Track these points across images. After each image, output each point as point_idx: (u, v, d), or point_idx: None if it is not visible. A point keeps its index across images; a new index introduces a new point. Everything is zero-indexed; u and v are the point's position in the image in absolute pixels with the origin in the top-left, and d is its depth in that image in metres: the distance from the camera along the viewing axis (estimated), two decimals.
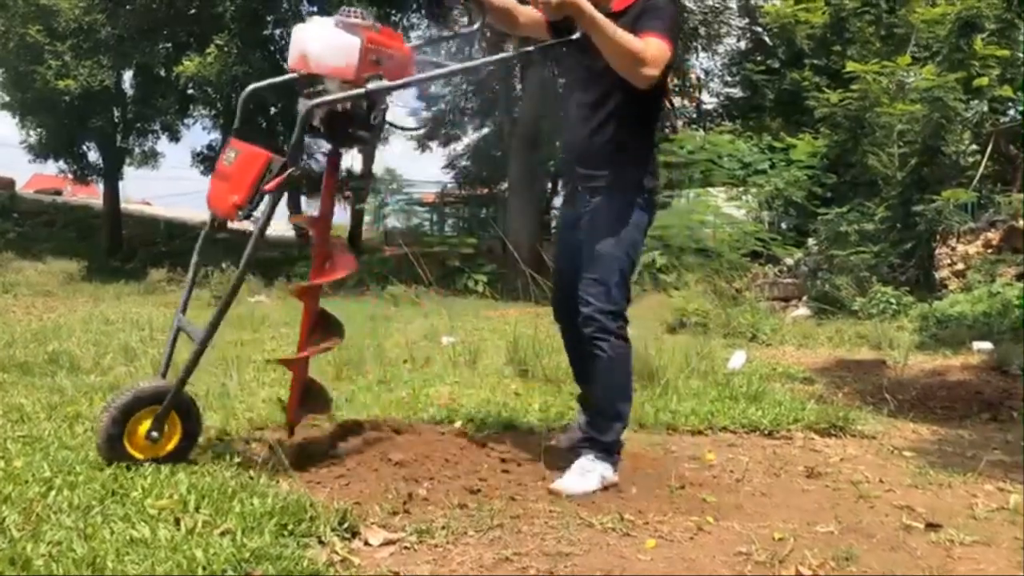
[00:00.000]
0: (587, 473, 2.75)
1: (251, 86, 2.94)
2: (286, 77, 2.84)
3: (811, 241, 12.16)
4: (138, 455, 2.61)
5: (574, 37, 2.75)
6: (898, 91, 10.43)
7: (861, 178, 11.42)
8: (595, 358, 2.79)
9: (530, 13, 2.98)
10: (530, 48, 3.08)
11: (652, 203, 2.94)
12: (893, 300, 9.14)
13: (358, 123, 2.69)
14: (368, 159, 2.91)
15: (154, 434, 2.63)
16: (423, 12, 21.64)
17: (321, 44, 2.59)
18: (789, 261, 12.02)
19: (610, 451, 2.81)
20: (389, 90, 2.67)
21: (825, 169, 12.29)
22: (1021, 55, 10.74)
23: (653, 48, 2.62)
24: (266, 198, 2.61)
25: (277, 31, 20.96)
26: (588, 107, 2.87)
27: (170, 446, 2.66)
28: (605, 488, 2.73)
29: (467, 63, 3.19)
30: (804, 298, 10.84)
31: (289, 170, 2.58)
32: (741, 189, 12.75)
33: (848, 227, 10.81)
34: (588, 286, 2.80)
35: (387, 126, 2.89)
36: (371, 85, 2.59)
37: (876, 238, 10.53)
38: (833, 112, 11.05)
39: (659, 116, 2.95)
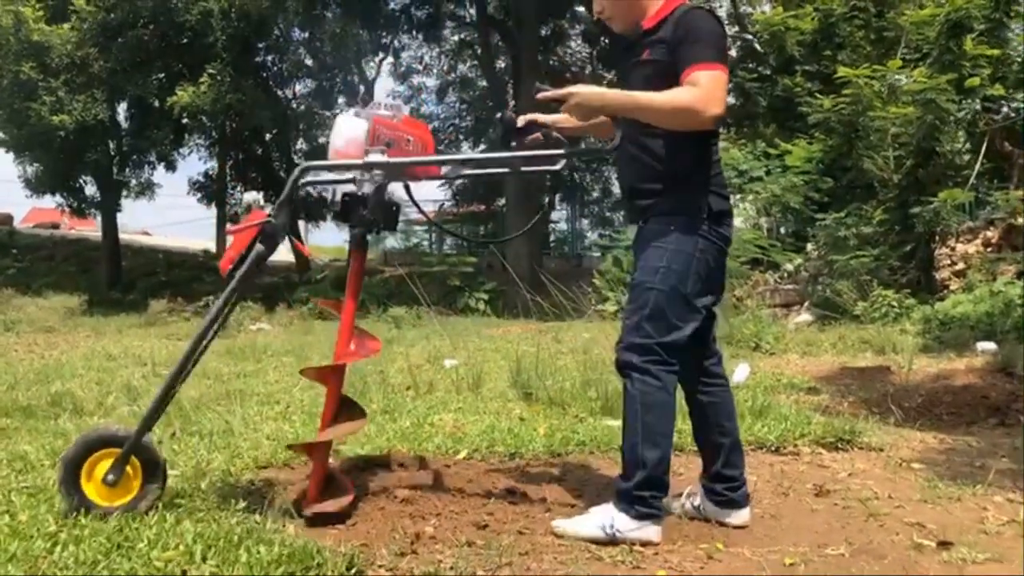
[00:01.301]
0: (589, 519, 2.59)
1: (305, 165, 2.91)
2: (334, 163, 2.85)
3: (810, 246, 12.16)
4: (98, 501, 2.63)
5: (611, 147, 2.70)
6: (890, 94, 10.44)
7: (857, 182, 11.42)
8: (624, 394, 2.64)
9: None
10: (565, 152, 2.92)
11: (717, 226, 2.63)
12: (895, 303, 9.13)
13: (372, 206, 2.70)
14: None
15: (110, 478, 2.63)
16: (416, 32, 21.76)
17: (335, 130, 2.75)
18: (789, 267, 12.02)
19: (629, 499, 2.54)
20: (389, 166, 2.68)
21: (821, 174, 12.31)
22: (1012, 53, 10.75)
23: (705, 86, 2.43)
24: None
25: (269, 57, 21.10)
26: (633, 133, 2.69)
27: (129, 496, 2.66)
28: (616, 542, 2.50)
29: (501, 154, 3.16)
30: (806, 304, 10.84)
31: (263, 230, 2.65)
32: (738, 197, 12.76)
33: (846, 231, 10.82)
34: (624, 318, 2.70)
35: (403, 208, 2.91)
36: (369, 158, 2.65)
37: (875, 241, 10.53)
38: (827, 117, 11.05)
39: (712, 132, 2.66)
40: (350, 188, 2.74)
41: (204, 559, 2.20)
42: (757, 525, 2.75)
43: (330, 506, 2.72)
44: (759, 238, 12.08)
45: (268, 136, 21.79)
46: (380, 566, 2.28)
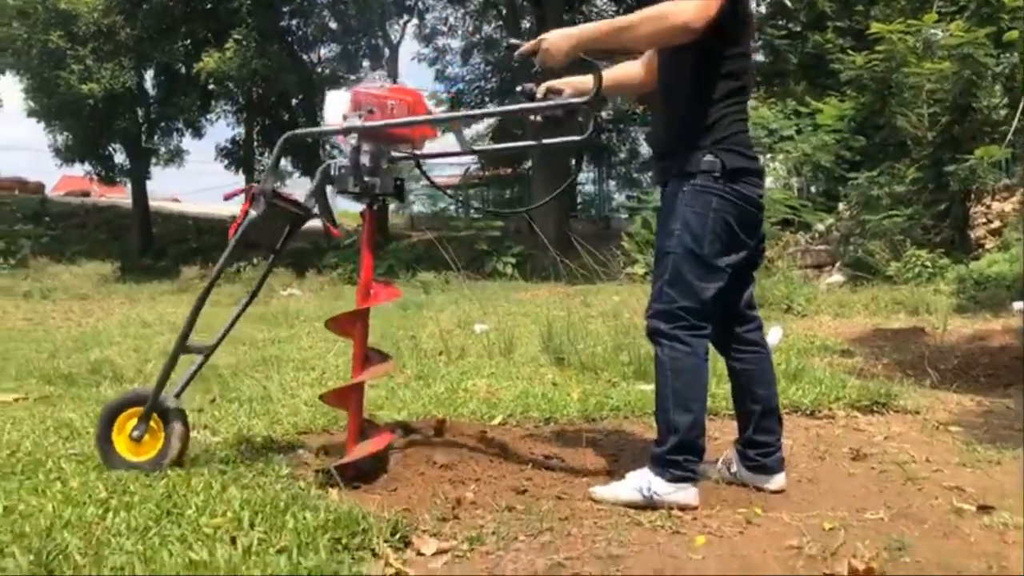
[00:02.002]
0: (626, 483, 2.60)
1: (289, 133, 2.99)
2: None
3: (842, 206, 12.03)
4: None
5: (581, 100, 2.71)
6: (925, 49, 10.22)
7: (890, 140, 11.25)
8: (655, 361, 2.63)
9: (620, 70, 2.93)
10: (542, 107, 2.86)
11: (734, 183, 2.54)
12: (928, 263, 9.04)
13: (367, 173, 2.77)
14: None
15: (135, 434, 2.82)
16: None
17: (325, 107, 2.86)
18: (820, 227, 11.91)
19: (663, 463, 2.54)
20: (364, 129, 2.73)
21: (853, 132, 12.14)
22: None
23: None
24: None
25: (293, 22, 21.03)
26: (659, 94, 2.69)
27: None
28: (654, 506, 2.50)
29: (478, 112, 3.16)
30: (837, 264, 10.75)
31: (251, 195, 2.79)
32: (768, 156, 12.62)
33: (879, 190, 10.69)
34: (652, 288, 2.68)
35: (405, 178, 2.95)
36: (348, 123, 2.73)
37: (908, 200, 10.39)
38: (859, 74, 10.87)
39: (734, 81, 2.56)
40: (342, 161, 2.83)
41: (252, 525, 2.25)
42: (794, 489, 2.76)
43: (370, 447, 2.79)
44: (789, 198, 11.96)
45: (294, 101, 21.81)
46: (423, 531, 2.32)
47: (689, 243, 2.54)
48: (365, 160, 2.77)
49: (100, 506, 2.46)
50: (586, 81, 2.76)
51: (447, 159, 3.08)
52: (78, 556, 2.09)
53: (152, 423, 2.84)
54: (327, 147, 18.93)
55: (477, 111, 3.10)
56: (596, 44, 2.58)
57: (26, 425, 3.63)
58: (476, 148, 3.28)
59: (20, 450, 3.23)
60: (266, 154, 23.09)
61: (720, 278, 2.58)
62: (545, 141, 2.93)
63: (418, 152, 2.99)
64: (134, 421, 2.84)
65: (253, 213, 2.79)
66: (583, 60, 2.61)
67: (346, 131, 2.75)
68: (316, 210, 2.88)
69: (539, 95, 2.84)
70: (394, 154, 2.88)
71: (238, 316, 3.05)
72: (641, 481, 2.57)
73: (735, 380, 2.84)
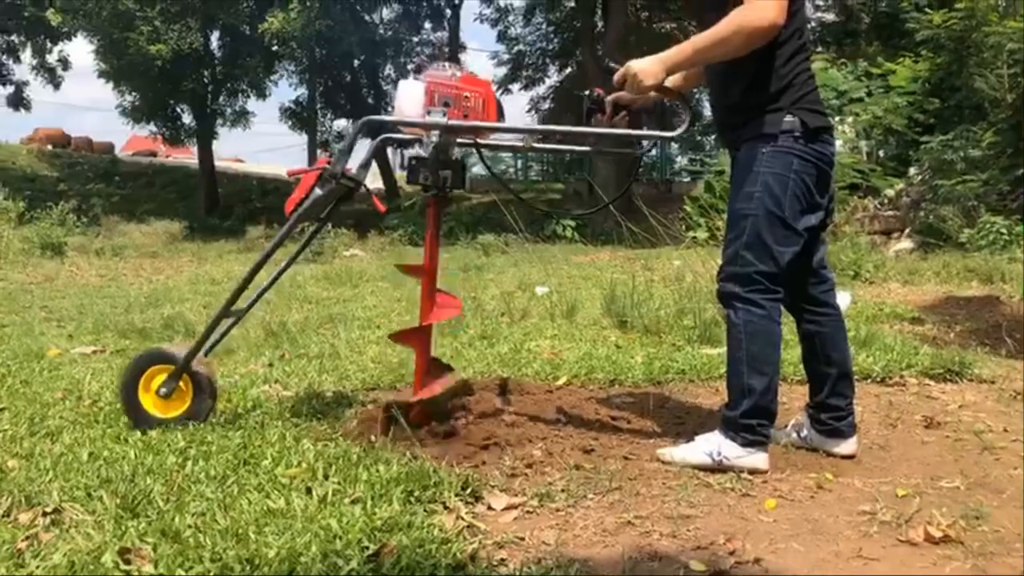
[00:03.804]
0: (696, 446, 2.59)
1: (368, 118, 3.00)
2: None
3: (913, 171, 11.68)
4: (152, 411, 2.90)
5: (673, 135, 2.75)
6: (1008, 7, 9.81)
7: (967, 102, 10.87)
8: (727, 324, 2.62)
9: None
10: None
11: (814, 143, 2.52)
12: (1004, 230, 8.73)
13: (433, 166, 2.79)
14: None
15: (163, 391, 2.87)
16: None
17: (397, 95, 2.85)
18: (890, 192, 11.59)
19: (735, 427, 2.52)
20: (448, 129, 2.73)
21: (927, 94, 11.73)
22: None
23: (752, 2, 2.37)
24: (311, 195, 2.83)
25: None
26: (717, 67, 2.64)
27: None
28: (724, 469, 2.50)
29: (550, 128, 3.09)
30: (907, 231, 10.48)
31: (320, 175, 2.80)
32: (837, 119, 12.28)
33: (953, 155, 10.34)
34: (723, 250, 2.65)
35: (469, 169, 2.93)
36: (433, 119, 2.71)
37: (984, 165, 10.04)
38: (936, 33, 10.49)
39: (798, 39, 2.54)
40: (416, 151, 2.84)
41: (326, 477, 2.30)
42: (866, 456, 2.72)
43: (437, 386, 2.86)
44: (858, 162, 11.64)
45: (356, 62, 21.89)
46: (493, 486, 2.34)
47: (770, 205, 2.50)
48: (439, 153, 2.79)
49: (179, 455, 2.54)
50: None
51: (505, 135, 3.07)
52: (161, 501, 2.16)
53: (181, 383, 2.89)
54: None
55: (555, 127, 3.06)
56: (685, 66, 2.57)
57: (105, 376, 3.76)
58: (537, 145, 3.21)
59: (101, 400, 3.35)
60: (328, 114, 23.25)
61: (797, 241, 2.55)
62: (635, 132, 2.88)
63: (480, 140, 2.96)
64: (162, 378, 2.89)
65: (319, 192, 2.81)
66: (665, 90, 2.63)
67: (429, 127, 2.74)
68: (380, 183, 2.91)
69: (607, 106, 2.82)
70: (459, 141, 2.89)
71: (275, 280, 3.14)
72: (711, 445, 2.56)
73: (808, 343, 2.80)
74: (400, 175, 3.21)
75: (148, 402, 2.90)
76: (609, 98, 2.81)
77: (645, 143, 2.92)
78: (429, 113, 2.73)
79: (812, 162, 2.52)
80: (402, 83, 2.89)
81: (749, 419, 2.52)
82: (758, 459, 2.53)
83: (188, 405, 2.90)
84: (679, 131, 2.77)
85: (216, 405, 3.00)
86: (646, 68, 2.53)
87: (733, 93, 2.63)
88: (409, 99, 2.78)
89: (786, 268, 2.55)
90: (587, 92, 2.91)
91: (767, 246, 2.51)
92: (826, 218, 2.74)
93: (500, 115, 2.85)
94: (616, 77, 2.64)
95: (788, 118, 2.50)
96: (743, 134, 2.61)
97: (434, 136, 2.75)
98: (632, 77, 2.55)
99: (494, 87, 2.91)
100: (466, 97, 2.77)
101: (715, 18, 2.48)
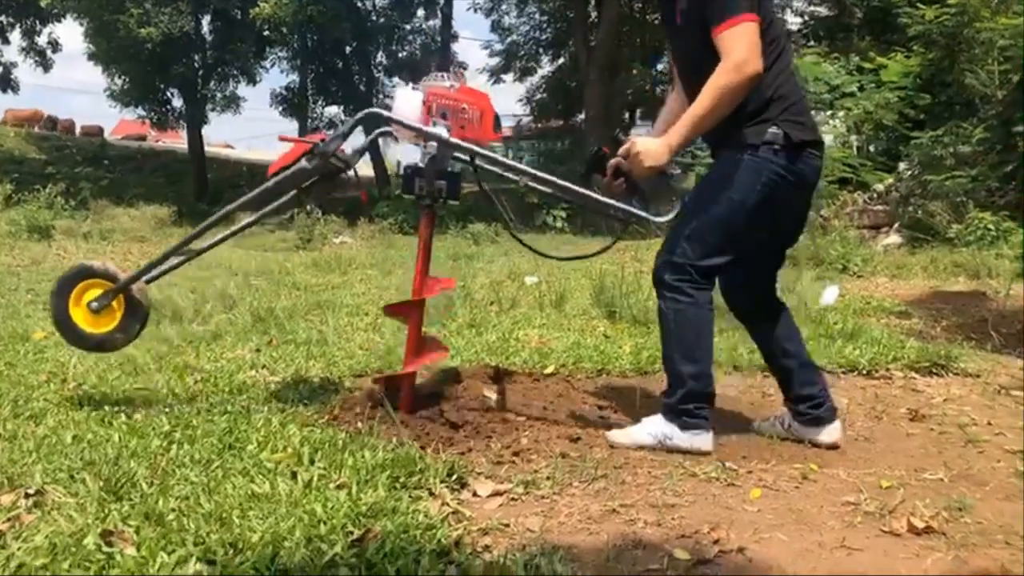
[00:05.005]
0: (642, 427, 2.65)
1: (372, 111, 2.97)
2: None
3: (903, 166, 11.69)
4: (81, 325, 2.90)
5: (664, 220, 2.77)
6: (1000, 4, 9.83)
7: (957, 98, 10.88)
8: (657, 311, 2.66)
9: (671, 109, 2.87)
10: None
11: (794, 160, 2.51)
12: (992, 226, 8.75)
13: (430, 177, 2.79)
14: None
15: (94, 304, 2.87)
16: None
17: (396, 102, 2.84)
18: (879, 187, 11.60)
19: (675, 412, 2.59)
20: (447, 145, 2.74)
21: (918, 90, 11.72)
22: None
23: (732, 50, 2.39)
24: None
25: None
26: (699, 70, 2.57)
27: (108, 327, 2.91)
28: (669, 450, 2.57)
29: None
30: (895, 225, 10.50)
31: (312, 148, 2.78)
32: (828, 113, 12.28)
33: (943, 150, 10.35)
34: (667, 237, 2.68)
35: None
36: (434, 129, 2.72)
37: (973, 161, 10.06)
38: (928, 29, 10.49)
39: (776, 46, 2.54)
40: (411, 161, 2.85)
41: (312, 462, 2.29)
42: (851, 447, 2.74)
43: (426, 359, 2.90)
44: (849, 156, 11.65)
45: (348, 49, 21.78)
46: (479, 473, 2.34)
47: (726, 209, 2.54)
48: (435, 165, 2.80)
49: (164, 438, 2.53)
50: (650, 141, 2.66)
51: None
52: (145, 484, 2.15)
53: (114, 302, 2.89)
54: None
55: (552, 179, 3.01)
56: (686, 143, 2.57)
57: (90, 360, 3.73)
58: (531, 185, 3.15)
59: (86, 383, 3.33)
60: (320, 101, 23.12)
61: (736, 251, 2.59)
62: (633, 211, 2.86)
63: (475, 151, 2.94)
64: (95, 293, 2.89)
65: (305, 165, 2.79)
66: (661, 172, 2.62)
67: (429, 137, 2.74)
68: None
69: (609, 169, 2.82)
70: (455, 155, 2.89)
71: (234, 233, 3.09)
72: (655, 427, 2.63)
73: (763, 343, 2.87)
74: (390, 163, 3.20)
75: (78, 314, 2.90)
76: (612, 162, 2.81)
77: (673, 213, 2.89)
78: (433, 124, 2.75)
79: (786, 179, 2.53)
80: (400, 90, 2.90)
81: (686, 404, 2.60)
82: (702, 440, 2.61)
83: (116, 324, 2.91)
84: (668, 217, 2.76)
85: (143, 332, 3.01)
86: (651, 150, 2.55)
87: None
88: (407, 108, 2.78)
89: (719, 270, 2.61)
90: (594, 148, 2.96)
91: (710, 245, 2.56)
92: (791, 241, 2.82)
93: (497, 127, 2.86)
94: (621, 151, 2.67)
95: (772, 130, 2.52)
96: (726, 143, 2.62)
97: (431, 148, 2.77)
98: (635, 156, 2.57)
99: (486, 76, 2.92)
100: (463, 109, 2.78)
101: (684, 54, 2.58)
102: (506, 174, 2.96)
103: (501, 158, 2.91)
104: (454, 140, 2.74)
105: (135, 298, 2.91)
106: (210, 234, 3.03)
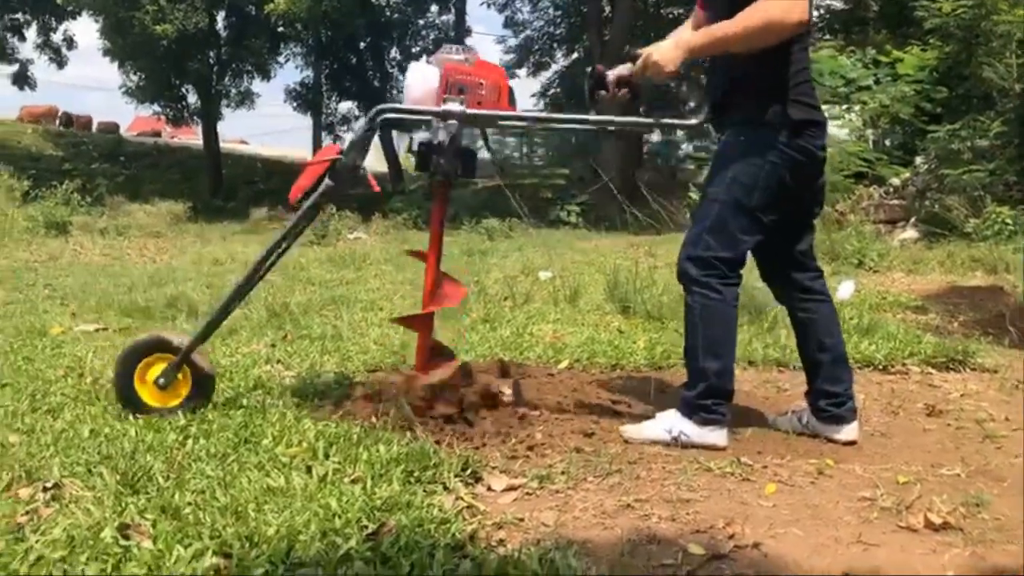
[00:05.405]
0: (656, 423, 2.65)
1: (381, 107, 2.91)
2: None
3: (919, 160, 11.61)
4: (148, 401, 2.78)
5: (694, 123, 2.83)
6: None
7: (974, 92, 10.78)
8: (684, 306, 2.65)
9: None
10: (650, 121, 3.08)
11: (797, 137, 2.50)
12: (1009, 220, 8.68)
13: (447, 154, 2.71)
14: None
15: (161, 380, 2.77)
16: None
17: (409, 80, 2.78)
18: (895, 181, 11.53)
19: (692, 407, 2.59)
20: (466, 118, 2.68)
21: (935, 83, 11.63)
22: None
23: None
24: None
25: None
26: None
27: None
28: (682, 445, 2.55)
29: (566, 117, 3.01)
30: (912, 220, 10.43)
31: (333, 166, 2.75)
32: (844, 107, 12.21)
33: (960, 144, 10.27)
34: (688, 231, 2.68)
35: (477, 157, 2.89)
36: (449, 107, 2.66)
37: (991, 155, 9.97)
38: (945, 22, 10.40)
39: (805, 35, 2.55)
40: (426, 136, 2.78)
41: (327, 456, 2.30)
42: (867, 443, 2.72)
43: (439, 374, 2.84)
44: (864, 151, 11.57)
45: (362, 44, 21.81)
46: (494, 468, 2.35)
47: (738, 193, 2.54)
48: (445, 139, 2.72)
49: (180, 432, 2.55)
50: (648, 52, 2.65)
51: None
52: (161, 478, 2.17)
53: (180, 374, 2.79)
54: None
55: (568, 116, 3.00)
56: (707, 53, 2.56)
57: (108, 354, 3.76)
58: (554, 126, 3.17)
59: (103, 377, 3.35)
60: (334, 97, 23.15)
61: (761, 231, 2.58)
62: (664, 121, 2.87)
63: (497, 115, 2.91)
64: (160, 367, 2.78)
65: (331, 183, 2.75)
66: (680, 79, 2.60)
67: (446, 115, 2.67)
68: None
69: (610, 78, 2.81)
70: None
71: (270, 267, 3.03)
72: (670, 422, 2.62)
73: (801, 330, 2.83)
74: (404, 157, 3.18)
75: (145, 391, 2.79)
76: (611, 74, 2.80)
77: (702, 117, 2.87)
78: (445, 101, 2.68)
79: (790, 155, 2.52)
80: (413, 66, 2.83)
81: (705, 399, 2.59)
82: (717, 436, 2.59)
83: (185, 396, 2.81)
84: (701, 119, 2.75)
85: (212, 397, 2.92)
86: (666, 54, 2.54)
87: (723, 78, 2.64)
88: (422, 84, 2.72)
89: (745, 257, 2.62)
90: (588, 70, 2.92)
91: (731, 234, 2.56)
92: (814, 207, 2.78)
93: (512, 101, 2.83)
94: (637, 64, 2.65)
95: (775, 107, 2.51)
96: (728, 120, 2.64)
97: (451, 125, 2.69)
98: (653, 64, 2.56)
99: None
100: (480, 84, 2.73)
101: (725, 10, 2.47)
102: (521, 124, 2.92)
103: (522, 112, 2.85)
104: (472, 111, 2.68)
105: (199, 366, 2.82)
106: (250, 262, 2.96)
